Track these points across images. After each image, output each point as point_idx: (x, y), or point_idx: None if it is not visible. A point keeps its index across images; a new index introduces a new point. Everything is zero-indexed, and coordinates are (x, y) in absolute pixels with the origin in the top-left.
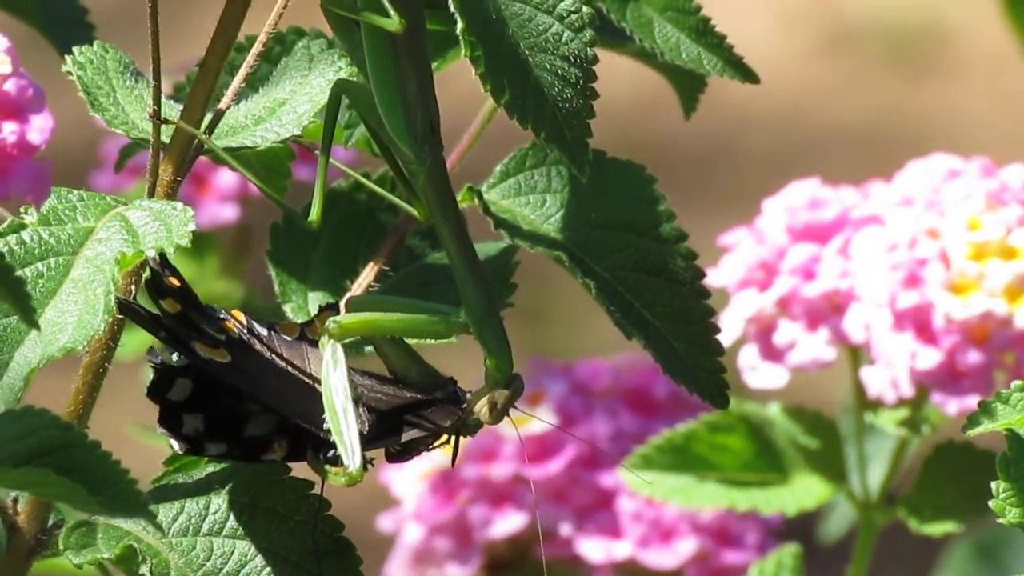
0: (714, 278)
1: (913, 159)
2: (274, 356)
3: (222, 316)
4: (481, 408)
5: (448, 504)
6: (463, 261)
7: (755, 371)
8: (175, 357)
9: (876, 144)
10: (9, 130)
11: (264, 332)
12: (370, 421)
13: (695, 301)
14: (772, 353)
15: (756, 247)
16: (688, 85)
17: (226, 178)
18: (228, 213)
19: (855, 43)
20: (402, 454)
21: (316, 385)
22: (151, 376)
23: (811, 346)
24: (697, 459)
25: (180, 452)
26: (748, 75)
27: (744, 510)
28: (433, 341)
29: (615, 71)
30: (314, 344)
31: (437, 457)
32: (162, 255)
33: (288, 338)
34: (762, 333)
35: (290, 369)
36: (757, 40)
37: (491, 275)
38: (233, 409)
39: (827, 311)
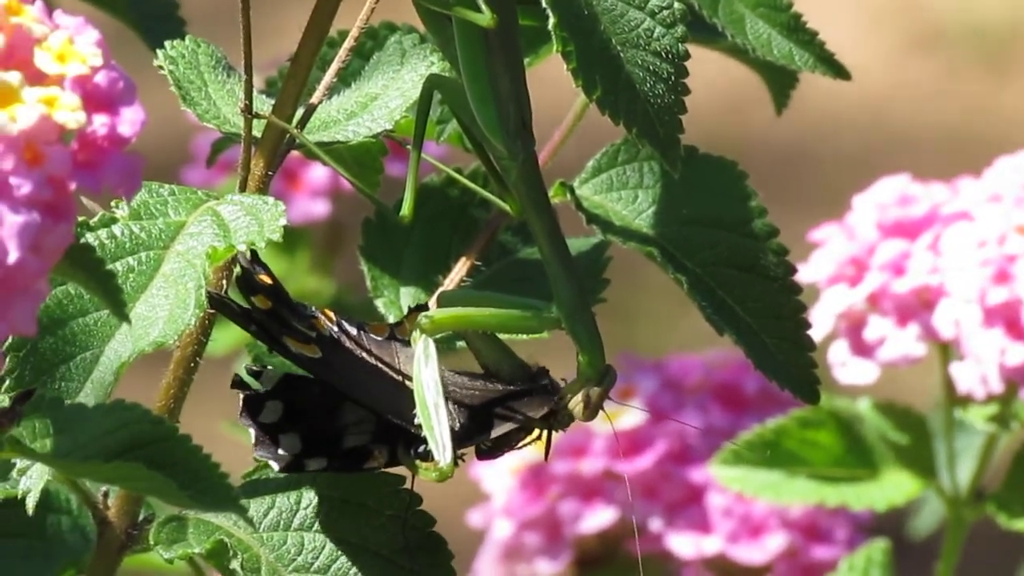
0: (804, 274)
1: (1001, 157)
2: (364, 353)
3: (313, 314)
4: (575, 405)
5: (538, 499)
6: (555, 256)
7: (845, 367)
8: (262, 381)
9: (963, 143)
10: (100, 122)
11: (354, 331)
12: (461, 417)
13: (786, 297)
14: (862, 349)
15: (846, 243)
16: (780, 81)
17: (317, 173)
18: (319, 208)
19: (942, 42)
20: (493, 450)
21: (407, 382)
22: (240, 402)
23: (901, 342)
24: (787, 455)
25: (280, 472)
26: (839, 71)
27: (834, 506)
28: (525, 336)
29: (705, 68)
30: (404, 344)
31: (527, 453)
32: (253, 252)
33: (378, 338)
34: (852, 329)
35: (380, 366)
36: (843, 39)
37: (583, 271)
38: (328, 424)
39: (917, 307)
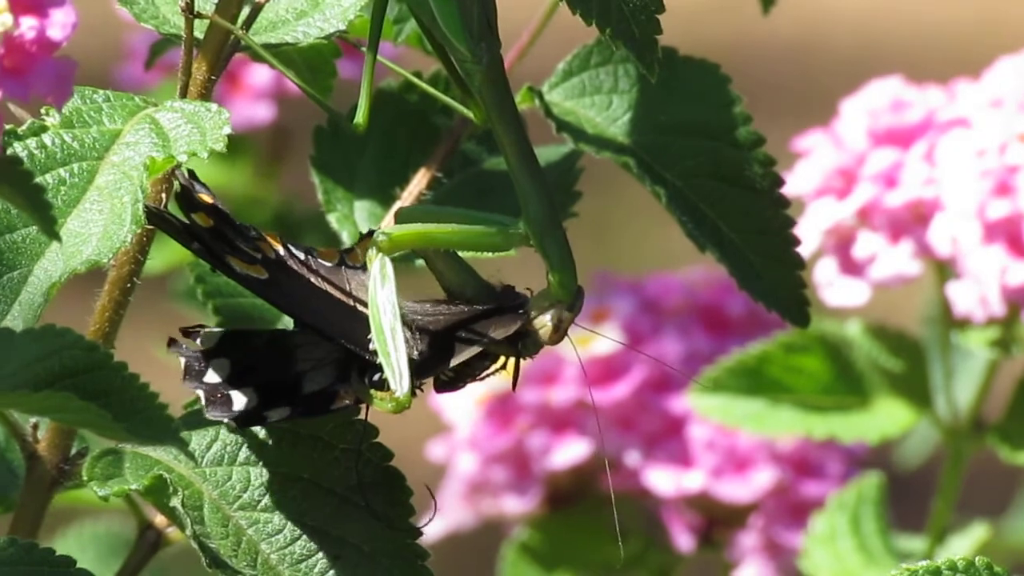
0: (788, 186)
1: (1002, 58)
2: (313, 276)
3: (258, 235)
4: (542, 326)
5: (505, 431)
6: (523, 167)
7: (833, 287)
8: (199, 341)
9: (969, 52)
10: (28, 25)
11: (301, 255)
12: (420, 343)
13: (773, 211)
14: (851, 267)
15: (834, 152)
16: None
17: (260, 75)
18: (263, 113)
19: None
20: (454, 381)
21: (360, 307)
22: (181, 365)
23: (893, 260)
24: (771, 382)
25: (240, 428)
26: None
27: (821, 437)
28: (491, 254)
29: None
30: (356, 270)
31: (492, 382)
32: (190, 171)
33: (328, 263)
34: (841, 246)
35: (331, 290)
36: None
37: (553, 182)
38: (283, 373)
39: (911, 222)
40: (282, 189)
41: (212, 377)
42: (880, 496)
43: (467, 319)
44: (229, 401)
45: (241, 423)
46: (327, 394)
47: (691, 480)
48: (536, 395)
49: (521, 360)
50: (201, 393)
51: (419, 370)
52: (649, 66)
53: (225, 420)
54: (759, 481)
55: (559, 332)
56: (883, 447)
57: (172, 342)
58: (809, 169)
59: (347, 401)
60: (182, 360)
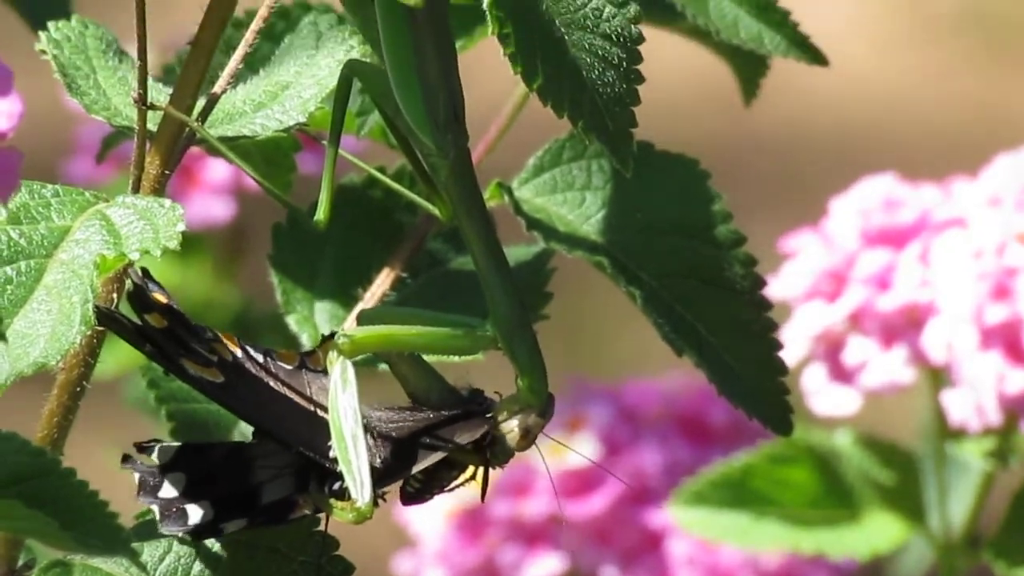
0: (775, 289)
1: (1000, 155)
2: (271, 380)
3: (213, 336)
4: (510, 432)
5: (475, 545)
6: (491, 266)
7: (822, 395)
8: (155, 456)
9: (963, 144)
10: None
11: (260, 357)
12: (383, 451)
13: (755, 313)
14: (842, 374)
15: (824, 253)
16: (748, 68)
17: (218, 170)
18: (220, 210)
19: (943, 32)
20: (421, 492)
21: (321, 413)
22: (136, 480)
23: (886, 366)
24: (756, 495)
25: (196, 542)
26: (816, 57)
27: (809, 552)
28: (457, 358)
29: (663, 53)
30: (316, 374)
31: (461, 494)
32: (143, 269)
33: (287, 366)
34: (830, 351)
35: (290, 394)
36: (831, 25)
37: (523, 283)
38: (240, 485)
39: (904, 327)
40: (241, 289)
41: (167, 491)
42: None
43: (432, 424)
44: (185, 515)
45: (196, 536)
46: (286, 503)
47: None
48: (507, 507)
49: (491, 469)
50: (156, 508)
51: (382, 478)
52: (623, 160)
53: (179, 535)
54: None
55: (528, 439)
56: (875, 563)
57: (126, 458)
58: (797, 271)
59: (306, 511)
60: (136, 475)
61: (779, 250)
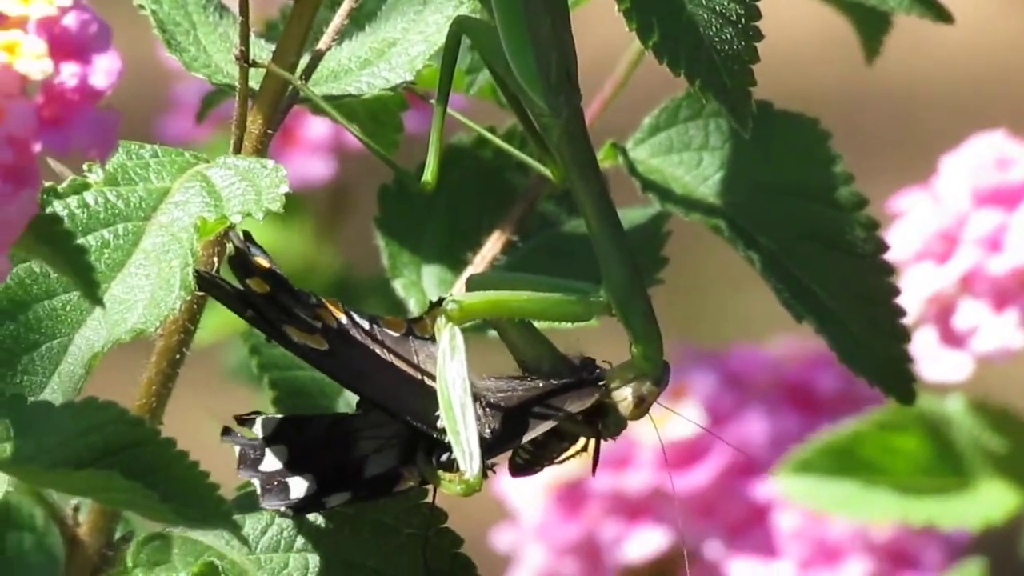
0: None
1: None
2: (378, 347)
3: (317, 302)
4: (623, 400)
5: (575, 520)
6: (604, 229)
7: (933, 360)
8: (256, 429)
9: None
10: (69, 72)
11: (365, 324)
12: (492, 420)
13: (877, 278)
14: (952, 338)
15: (934, 213)
16: (870, 24)
17: (317, 128)
18: (320, 169)
19: None
20: (531, 463)
21: (428, 381)
22: (236, 454)
23: (997, 331)
24: (864, 463)
25: (296, 516)
26: (939, 13)
27: (919, 523)
28: (569, 324)
29: (780, 8)
30: (424, 342)
31: (562, 466)
32: (246, 232)
33: (394, 333)
34: (941, 315)
35: (397, 363)
36: None
37: (637, 246)
38: (344, 457)
39: (1016, 290)
40: (342, 253)
41: (269, 465)
42: None
43: (542, 393)
44: (287, 489)
45: (298, 511)
46: (390, 476)
47: (777, 572)
48: (608, 481)
49: (602, 441)
50: (257, 482)
51: (491, 449)
52: (742, 120)
53: (281, 509)
54: (852, 574)
55: (642, 408)
56: (1004, 534)
57: (227, 431)
58: (907, 231)
59: (412, 483)
60: (236, 448)
61: (889, 210)
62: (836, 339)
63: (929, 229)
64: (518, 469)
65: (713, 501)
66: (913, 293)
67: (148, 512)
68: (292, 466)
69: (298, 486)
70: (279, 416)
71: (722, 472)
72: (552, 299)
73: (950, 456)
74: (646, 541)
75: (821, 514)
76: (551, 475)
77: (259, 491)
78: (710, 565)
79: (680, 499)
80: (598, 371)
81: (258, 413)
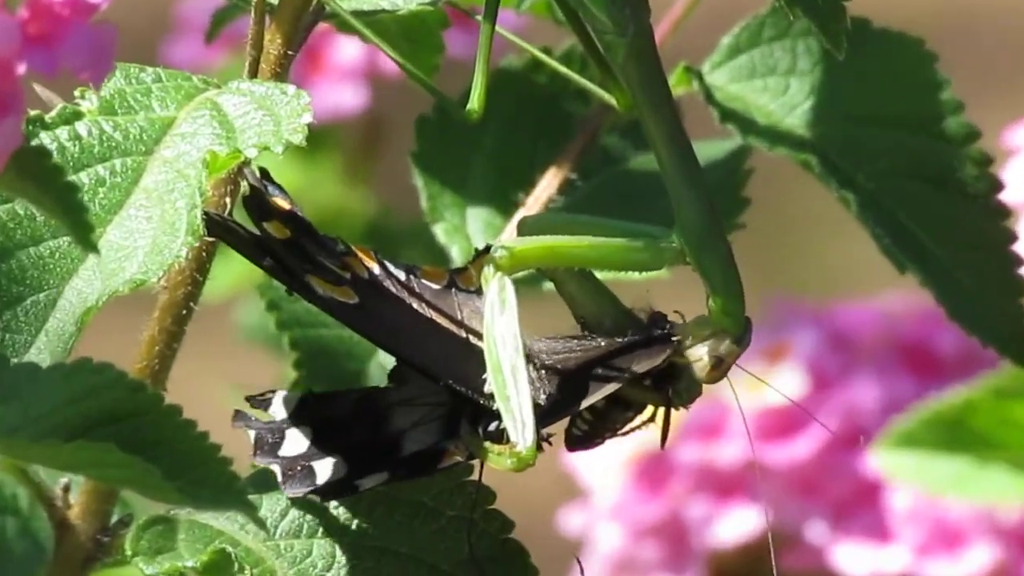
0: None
1: None
2: (415, 301)
3: (345, 250)
4: (698, 361)
5: (657, 497)
6: (677, 166)
7: None
8: (272, 411)
9: None
10: None
11: (401, 275)
12: (547, 385)
13: (990, 222)
14: None
15: None
16: None
17: (348, 51)
18: (351, 98)
19: None
20: (590, 435)
21: (474, 340)
22: (251, 439)
23: None
24: (978, 436)
25: (327, 502)
26: None
27: None
28: (637, 275)
29: None
30: (469, 295)
31: (640, 437)
32: (263, 169)
33: (434, 285)
34: None
35: (437, 318)
36: None
37: (715, 185)
38: (378, 434)
39: None
40: (376, 195)
41: (290, 448)
42: None
43: (605, 353)
44: (312, 473)
45: (327, 496)
46: (432, 452)
47: (890, 559)
48: (696, 453)
49: (674, 410)
50: (277, 468)
51: (545, 416)
52: (835, 40)
53: (305, 496)
54: (975, 561)
55: (720, 370)
56: None
57: (239, 415)
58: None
59: (458, 458)
60: (251, 434)
61: (1003, 144)
62: (944, 291)
63: None
64: (575, 442)
65: (816, 477)
66: None
67: (150, 491)
68: (317, 447)
69: (325, 469)
70: (299, 394)
71: (827, 444)
72: (616, 245)
73: None
74: (738, 522)
75: (927, 492)
76: (629, 447)
77: (280, 478)
78: (812, 550)
79: (778, 474)
80: (669, 327)
81: (274, 391)
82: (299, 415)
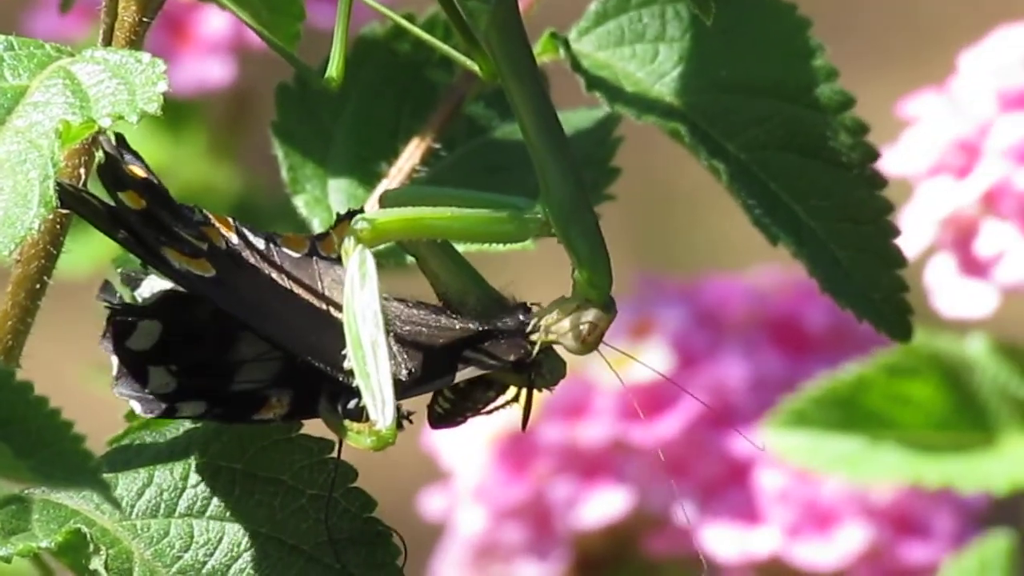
0: (892, 163)
1: None
2: (275, 272)
3: (203, 219)
4: (564, 332)
5: (521, 479)
6: (543, 136)
7: (950, 292)
8: (140, 293)
9: None
10: None
11: (260, 243)
12: (409, 361)
13: (866, 192)
14: (974, 267)
15: (952, 120)
16: None
17: (214, 23)
18: (218, 72)
19: None
20: (451, 414)
21: (333, 311)
22: (105, 320)
23: None
24: (870, 415)
25: (144, 416)
26: None
27: (935, 485)
28: (501, 247)
29: None
30: (330, 263)
31: (504, 415)
32: (119, 136)
33: (294, 254)
34: (960, 239)
35: (297, 289)
36: None
37: (583, 156)
38: (218, 357)
39: None
40: (244, 171)
41: (136, 342)
42: (1008, 562)
43: (467, 335)
44: (144, 377)
45: (145, 408)
46: (255, 396)
47: (760, 540)
48: (560, 432)
49: (536, 391)
50: (115, 360)
51: (405, 392)
52: (704, 5)
53: (131, 402)
54: (847, 542)
55: (591, 338)
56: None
57: (106, 286)
58: (919, 141)
59: (275, 412)
60: (108, 314)
61: (897, 115)
62: (817, 265)
63: (946, 137)
64: (439, 419)
65: (684, 456)
66: (927, 213)
67: (2, 470)
68: (159, 351)
69: (156, 377)
70: (167, 287)
71: (694, 422)
72: (480, 216)
73: (971, 407)
74: (605, 503)
75: (813, 473)
76: (494, 426)
77: (114, 372)
78: (680, 531)
79: (645, 454)
80: (531, 317)
81: (148, 274)
82: (160, 306)
